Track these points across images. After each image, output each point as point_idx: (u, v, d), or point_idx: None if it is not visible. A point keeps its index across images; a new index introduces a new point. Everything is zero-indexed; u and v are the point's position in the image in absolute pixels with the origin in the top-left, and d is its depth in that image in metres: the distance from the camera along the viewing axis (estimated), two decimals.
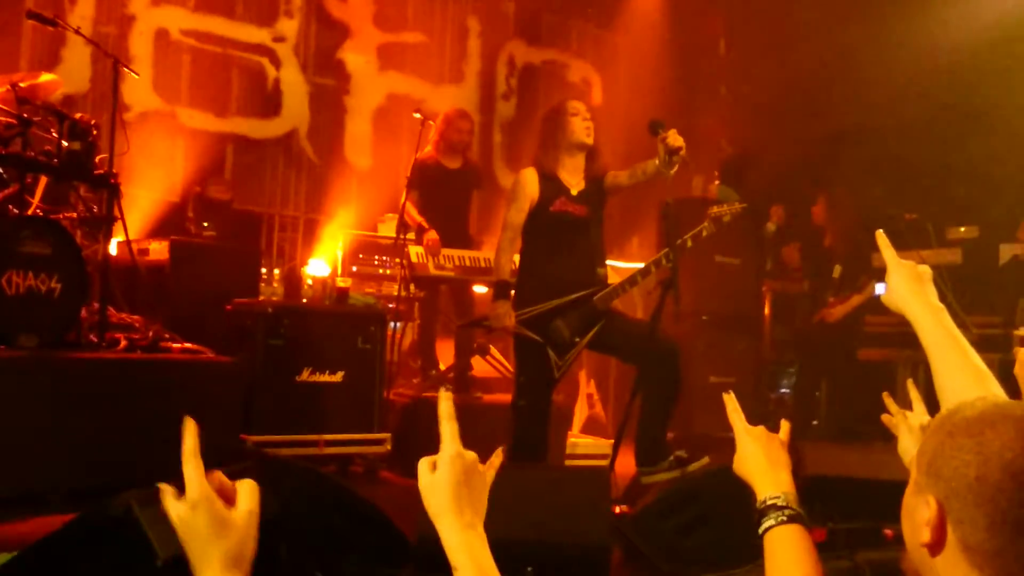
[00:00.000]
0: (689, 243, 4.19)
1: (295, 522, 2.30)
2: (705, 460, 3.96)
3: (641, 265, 4.28)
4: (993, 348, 6.27)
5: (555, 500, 2.88)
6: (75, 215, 4.88)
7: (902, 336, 6.76)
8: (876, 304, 6.90)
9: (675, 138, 3.86)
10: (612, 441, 3.88)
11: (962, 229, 7.73)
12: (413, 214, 5.84)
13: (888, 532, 3.39)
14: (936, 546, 1.15)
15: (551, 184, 4.13)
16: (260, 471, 2.49)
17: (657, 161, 3.91)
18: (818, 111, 8.59)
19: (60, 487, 3.83)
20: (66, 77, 5.66)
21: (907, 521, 1.23)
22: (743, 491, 3.27)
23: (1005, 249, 7.03)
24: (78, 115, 4.71)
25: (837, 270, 6.58)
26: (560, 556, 2.76)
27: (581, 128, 4.14)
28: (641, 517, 3.39)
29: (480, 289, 6.14)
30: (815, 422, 7.09)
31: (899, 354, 6.72)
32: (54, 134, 4.57)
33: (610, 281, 4.20)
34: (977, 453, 1.13)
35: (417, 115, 5.90)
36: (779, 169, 8.38)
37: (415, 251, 5.79)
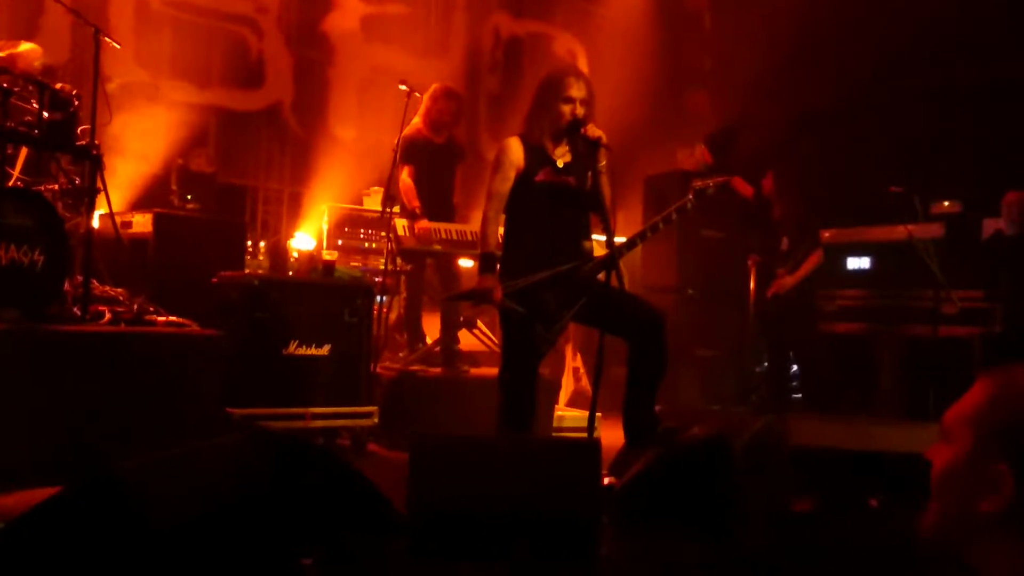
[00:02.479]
0: (674, 216, 4.19)
1: (284, 493, 2.29)
2: (692, 431, 3.98)
3: (623, 240, 4.27)
4: (975, 322, 6.33)
5: (546, 472, 2.88)
6: (57, 187, 4.82)
7: (875, 310, 6.84)
8: (845, 277, 6.95)
9: (593, 130, 3.88)
10: (599, 415, 3.88)
11: (946, 203, 7.78)
12: (412, 196, 5.79)
13: (873, 502, 3.42)
14: (1002, 514, 1.12)
15: (536, 154, 4.08)
16: (249, 443, 2.48)
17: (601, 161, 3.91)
18: (805, 84, 8.59)
19: (45, 460, 3.81)
20: (45, 46, 5.57)
21: (953, 490, 1.18)
22: (730, 462, 3.28)
23: (988, 224, 7.07)
24: (59, 85, 4.64)
25: (784, 242, 6.61)
26: (550, 528, 2.77)
27: (568, 118, 4.05)
28: (629, 488, 3.41)
29: (466, 263, 6.12)
30: (798, 395, 7.15)
31: (873, 328, 6.78)
32: (34, 105, 4.51)
33: (595, 255, 4.18)
34: None
35: (403, 87, 5.85)
36: (765, 143, 8.38)
37: (401, 224, 5.76)
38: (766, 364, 7.93)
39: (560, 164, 4.12)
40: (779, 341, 6.93)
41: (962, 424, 1.18)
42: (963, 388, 1.30)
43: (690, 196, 4.19)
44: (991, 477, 1.12)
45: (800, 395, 7.12)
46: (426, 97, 5.94)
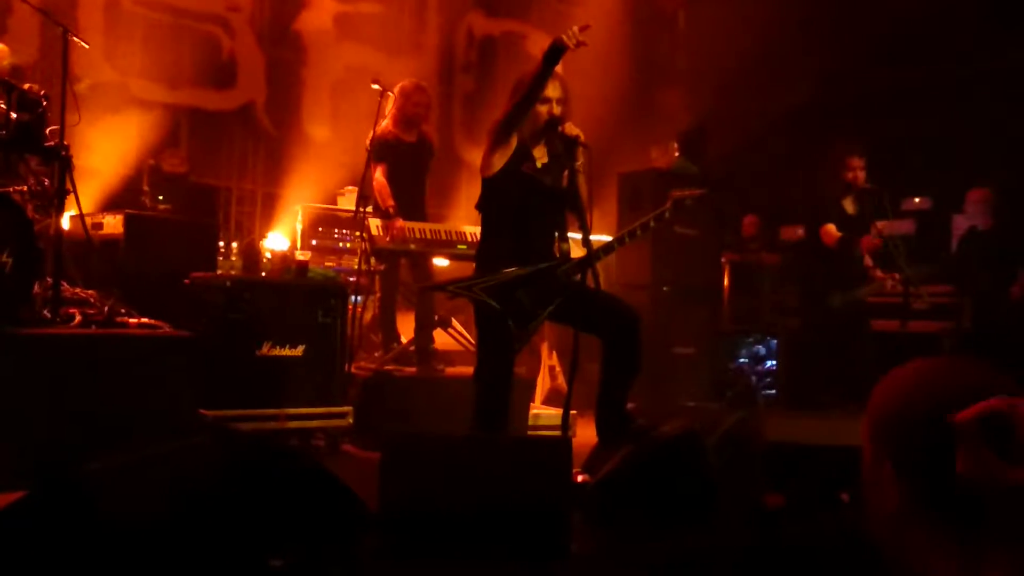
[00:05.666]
0: (652, 224, 4.25)
1: (252, 493, 2.29)
2: (664, 428, 4.00)
3: (605, 238, 4.30)
4: (946, 316, 6.40)
5: (516, 469, 2.90)
6: (25, 188, 4.76)
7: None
8: None
9: (570, 128, 3.92)
10: (574, 412, 3.90)
11: (916, 200, 7.86)
12: (386, 195, 5.76)
13: (845, 496, 3.46)
14: (901, 510, 1.14)
15: (520, 148, 4.10)
16: (215, 443, 2.47)
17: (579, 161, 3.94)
18: (776, 83, 8.65)
19: (13, 464, 3.76)
20: (13, 47, 5.52)
21: (873, 497, 1.19)
22: (702, 458, 3.30)
23: (958, 220, 7.15)
24: (27, 86, 4.60)
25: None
26: (521, 525, 2.78)
27: (546, 118, 4.07)
28: (602, 485, 3.43)
29: (440, 262, 6.12)
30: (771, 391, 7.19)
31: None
32: (2, 105, 4.46)
33: (573, 255, 4.19)
34: (923, 408, 1.11)
35: (376, 86, 5.83)
36: (737, 141, 8.44)
37: (375, 223, 5.75)
38: (741, 361, 7.95)
39: (539, 165, 4.14)
40: (833, 340, 6.69)
41: (862, 429, 1.20)
42: None
43: (668, 205, 4.25)
44: (884, 477, 1.13)
45: (774, 391, 7.17)
46: (396, 95, 5.91)
